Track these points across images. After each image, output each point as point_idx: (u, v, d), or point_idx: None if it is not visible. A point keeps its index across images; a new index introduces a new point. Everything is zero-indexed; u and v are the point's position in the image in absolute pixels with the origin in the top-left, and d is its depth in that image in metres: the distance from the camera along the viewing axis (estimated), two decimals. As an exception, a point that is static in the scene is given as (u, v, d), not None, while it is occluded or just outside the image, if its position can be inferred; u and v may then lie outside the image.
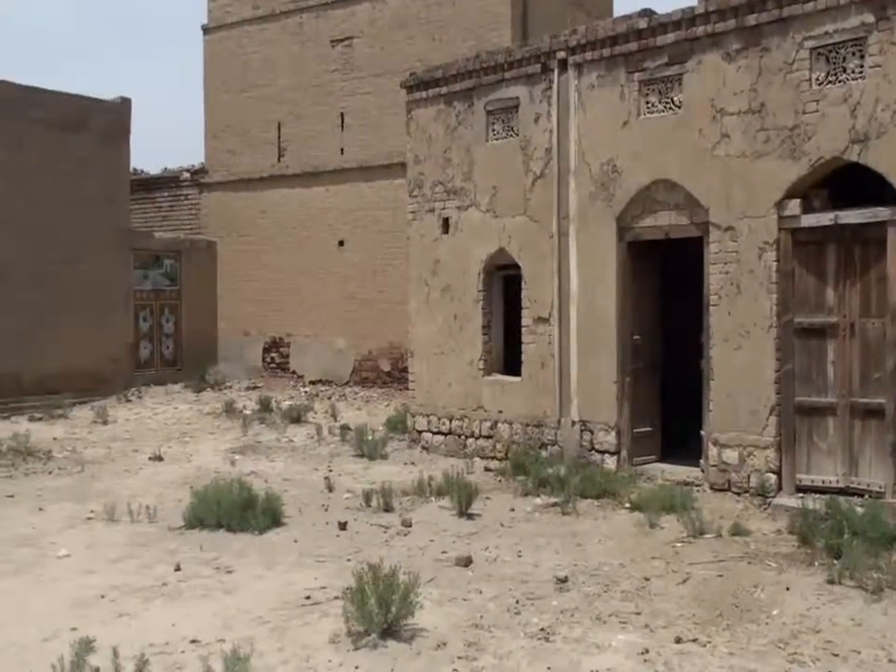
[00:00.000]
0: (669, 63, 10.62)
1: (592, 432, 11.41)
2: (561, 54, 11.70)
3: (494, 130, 12.59)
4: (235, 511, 8.96)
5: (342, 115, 20.36)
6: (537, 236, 12.01)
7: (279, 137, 21.41)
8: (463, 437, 12.93)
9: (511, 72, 12.30)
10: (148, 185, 23.83)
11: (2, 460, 12.75)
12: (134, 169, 22.93)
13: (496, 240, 12.50)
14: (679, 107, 10.57)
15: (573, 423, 11.60)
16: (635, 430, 11.29)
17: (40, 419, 16.83)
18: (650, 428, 11.43)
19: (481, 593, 6.98)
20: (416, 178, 13.54)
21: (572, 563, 7.75)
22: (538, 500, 10.06)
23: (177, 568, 7.66)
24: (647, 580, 7.28)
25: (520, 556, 7.99)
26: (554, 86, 11.80)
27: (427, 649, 5.85)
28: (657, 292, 11.67)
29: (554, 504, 9.75)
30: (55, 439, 14.76)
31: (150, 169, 24.77)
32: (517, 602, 6.75)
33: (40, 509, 10.05)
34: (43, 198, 18.24)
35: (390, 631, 5.99)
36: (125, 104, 20.13)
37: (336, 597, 6.68)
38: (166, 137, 43.78)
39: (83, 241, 18.92)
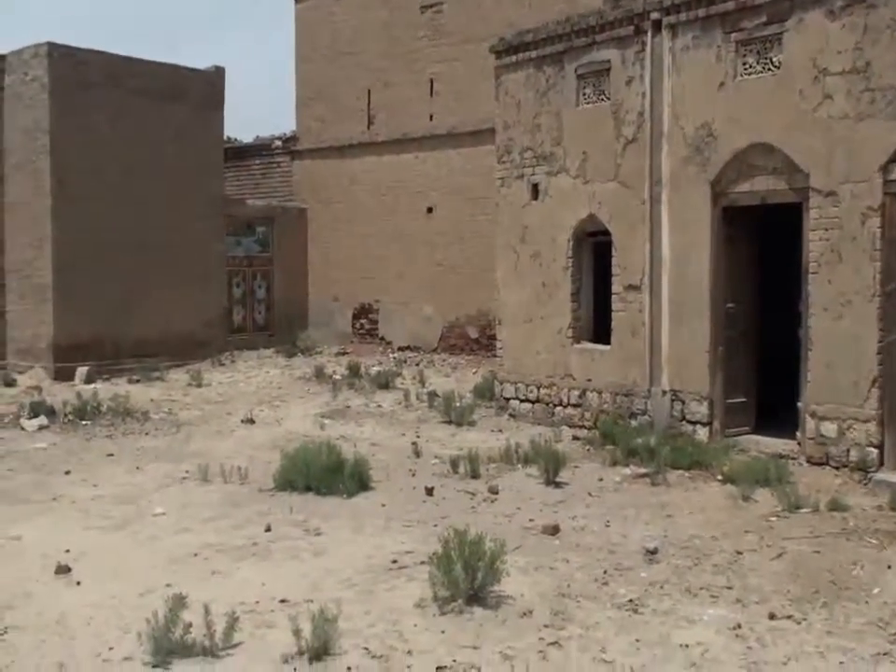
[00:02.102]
0: (768, 22, 10.20)
1: (683, 402, 11.18)
2: (655, 15, 11.36)
3: (584, 94, 12.34)
4: (324, 475, 9.09)
5: (431, 81, 20.24)
6: (628, 202, 11.76)
7: (369, 104, 21.42)
8: (551, 405, 12.83)
9: (602, 34, 12.01)
10: (241, 153, 24.18)
11: (103, 420, 13.21)
12: (228, 138, 23.27)
13: (585, 206, 12.29)
14: (779, 68, 10.16)
15: (663, 392, 11.38)
16: (728, 401, 11.02)
17: (138, 381, 17.35)
18: (743, 399, 11.14)
19: (568, 562, 6.92)
20: (505, 144, 13.39)
21: (662, 534, 7.62)
22: (626, 470, 9.93)
23: (268, 529, 7.81)
24: (739, 554, 7.11)
25: (608, 526, 7.90)
26: (648, 48, 11.48)
27: (512, 616, 5.83)
28: (753, 259, 11.31)
29: (644, 475, 9.61)
30: (152, 400, 15.21)
31: (243, 137, 25.16)
32: (605, 572, 6.68)
33: (138, 468, 10.38)
34: (141, 166, 18.67)
35: (476, 597, 5.98)
36: (219, 73, 20.41)
37: (422, 562, 6.71)
38: (259, 106, 44.26)
39: (179, 208, 19.33)
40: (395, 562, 6.95)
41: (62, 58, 17.68)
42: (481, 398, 14.64)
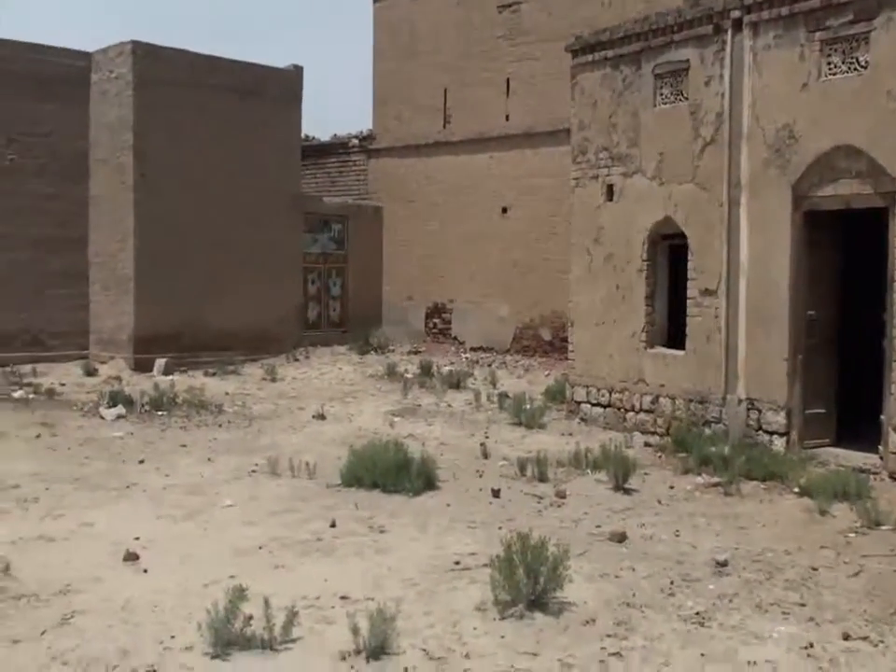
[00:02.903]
0: (855, 21, 9.85)
1: (759, 411, 10.88)
2: (735, 13, 11.08)
3: (662, 94, 12.11)
4: (391, 473, 9.08)
5: (507, 81, 20.15)
6: (705, 204, 11.50)
7: (445, 104, 21.42)
8: (623, 410, 12.63)
9: (681, 33, 11.76)
10: (319, 151, 24.43)
11: (178, 411, 13.46)
12: (306, 136, 23.54)
13: (661, 208, 12.06)
14: (865, 68, 9.80)
15: (739, 400, 11.10)
16: (807, 411, 10.69)
17: (214, 374, 17.65)
18: (823, 410, 10.78)
19: (634, 570, 6.77)
20: (580, 144, 13.23)
21: (733, 546, 7.41)
22: (699, 479, 9.70)
23: (333, 525, 7.83)
24: (814, 569, 6.87)
25: (677, 536, 7.72)
26: (728, 47, 11.21)
27: (574, 624, 5.73)
28: (835, 266, 10.94)
29: (716, 484, 9.38)
30: (227, 393, 15.45)
31: (321, 136, 25.41)
32: (672, 583, 6.51)
33: (209, 459, 10.53)
34: (221, 163, 19.00)
35: (538, 603, 5.89)
36: (297, 71, 20.64)
37: (485, 564, 6.62)
38: (337, 105, 44.68)
39: (257, 204, 19.61)
40: (457, 563, 6.89)
41: (145, 56, 18.10)
42: (552, 400, 14.50)
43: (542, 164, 19.43)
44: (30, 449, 10.91)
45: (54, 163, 18.43)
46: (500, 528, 7.79)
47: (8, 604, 5.92)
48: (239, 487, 9.25)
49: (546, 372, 18.17)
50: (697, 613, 5.93)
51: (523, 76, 19.85)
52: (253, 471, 9.93)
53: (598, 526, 7.93)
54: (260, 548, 7.24)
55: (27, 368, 17.06)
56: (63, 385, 15.92)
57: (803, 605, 6.14)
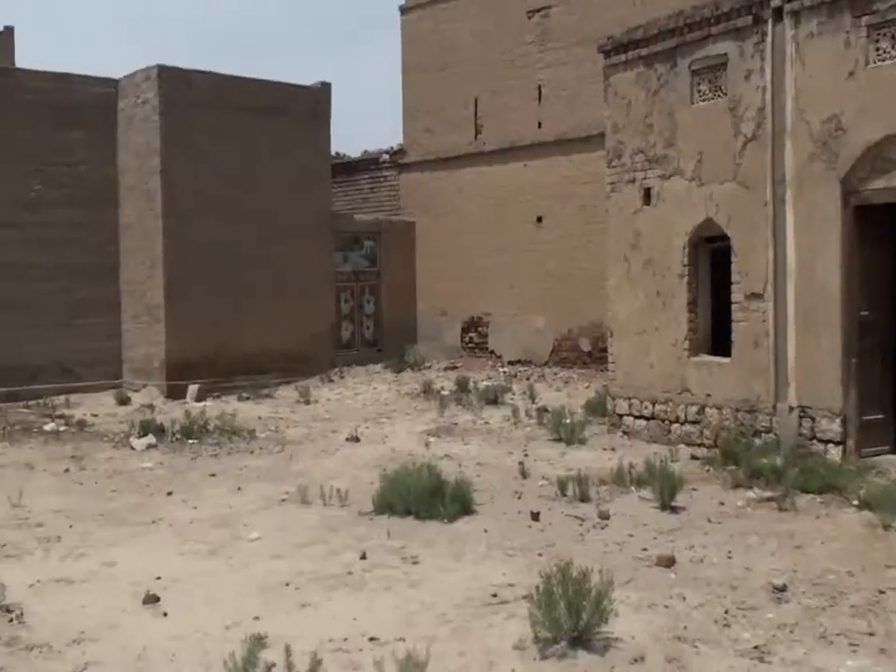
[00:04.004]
0: (905, 2, 9.32)
1: (812, 419, 10.31)
2: (775, 2, 10.59)
3: (699, 91, 11.62)
4: (424, 498, 8.67)
5: (539, 87, 19.76)
6: (748, 204, 10.98)
7: (476, 114, 21.08)
8: (667, 422, 12.10)
9: (718, 26, 11.28)
10: (349, 168, 24.23)
11: (209, 439, 13.18)
12: (336, 153, 23.34)
13: (702, 210, 11.55)
14: (917, 51, 9.26)
15: (790, 408, 10.53)
16: (863, 417, 10.11)
17: (248, 398, 17.40)
18: (881, 416, 10.20)
19: (684, 599, 6.27)
20: (615, 147, 12.77)
21: (791, 568, 6.88)
22: (750, 494, 9.15)
23: (363, 557, 7.44)
24: (881, 593, 6.32)
25: (729, 558, 7.20)
26: (768, 38, 10.71)
27: (621, 662, 5.26)
28: (889, 263, 10.36)
29: (769, 498, 8.83)
30: (259, 418, 15.16)
31: (351, 152, 25.20)
32: (726, 612, 6.01)
33: (239, 488, 10.20)
34: (249, 184, 18.82)
35: (581, 640, 5.43)
36: (325, 88, 20.42)
37: (524, 596, 6.18)
38: (366, 120, 44.69)
39: (287, 224, 19.38)
40: (494, 596, 6.45)
41: (171, 80, 17.98)
42: (592, 413, 14.02)
43: (576, 171, 19.01)
44: (58, 483, 10.67)
45: (82, 192, 18.34)
46: (540, 555, 7.36)
47: (18, 656, 5.59)
48: (267, 518, 8.89)
49: (586, 384, 17.69)
50: (756, 647, 5.43)
51: (554, 81, 19.46)
52: (283, 500, 9.58)
53: (644, 549, 7.44)
54: (287, 584, 6.87)
55: (60, 399, 16.95)
56: (96, 415, 15.73)
57: (871, 634, 5.62)
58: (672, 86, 11.89)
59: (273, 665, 5.04)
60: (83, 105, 18.30)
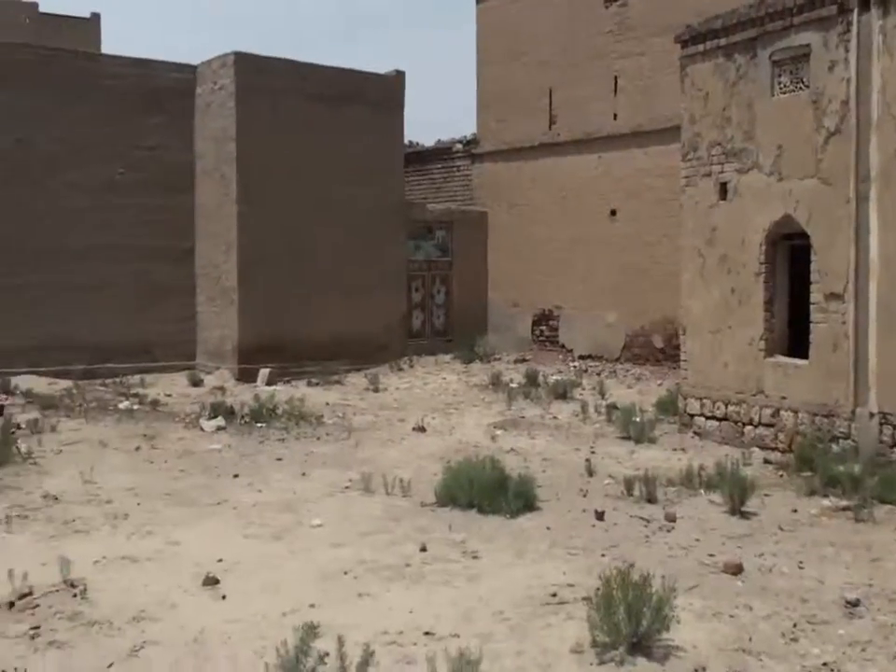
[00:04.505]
0: None
1: (894, 426, 9.91)
2: (863, -9, 10.17)
3: (780, 82, 11.25)
4: (487, 491, 8.58)
5: (615, 78, 19.42)
6: (829, 201, 10.59)
7: (550, 104, 20.83)
8: (740, 423, 11.78)
9: (801, 16, 10.89)
10: (423, 157, 24.20)
11: (277, 423, 13.27)
12: (410, 142, 23.32)
13: (780, 206, 11.19)
14: None
15: (871, 414, 10.14)
16: (947, 426, 9.68)
17: (317, 384, 17.52)
18: (966, 425, 9.76)
19: (751, 609, 6.07)
20: (691, 140, 12.45)
21: (866, 582, 6.61)
22: (825, 502, 8.84)
23: (423, 549, 7.39)
24: (962, 611, 6.04)
25: (801, 568, 6.96)
26: (854, 28, 10.30)
27: (682, 672, 5.11)
28: (981, 265, 9.90)
29: (846, 508, 8.51)
30: (328, 404, 15.23)
31: (425, 141, 25.16)
32: (794, 625, 5.79)
33: (304, 474, 10.25)
34: (322, 171, 18.92)
35: (640, 646, 5.29)
36: (399, 77, 20.40)
37: (584, 598, 6.07)
38: (441, 109, 44.62)
39: (360, 211, 19.45)
40: (554, 595, 6.34)
41: (247, 66, 18.16)
42: (663, 412, 13.75)
43: (652, 164, 18.64)
44: (129, 461, 10.86)
45: (161, 176, 18.66)
46: (603, 556, 7.22)
47: (79, 632, 5.69)
48: (330, 505, 8.91)
49: (658, 382, 17.38)
50: (825, 664, 5.22)
51: (631, 72, 19.10)
52: (346, 487, 9.59)
53: (711, 555, 7.24)
54: (346, 573, 6.86)
55: (135, 378, 17.30)
56: (169, 395, 16.02)
57: (950, 655, 5.35)
58: (751, 77, 11.54)
59: (327, 654, 4.99)
60: (162, 90, 18.64)
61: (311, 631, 4.92)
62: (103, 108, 17.98)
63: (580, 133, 20.08)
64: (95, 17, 28.05)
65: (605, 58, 19.51)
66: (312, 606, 6.10)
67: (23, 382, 16.03)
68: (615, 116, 19.45)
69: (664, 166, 17.98)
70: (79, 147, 17.78)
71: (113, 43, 41.95)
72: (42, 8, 27.50)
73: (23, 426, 12.36)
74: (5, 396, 14.87)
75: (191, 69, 19.09)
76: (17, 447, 10.85)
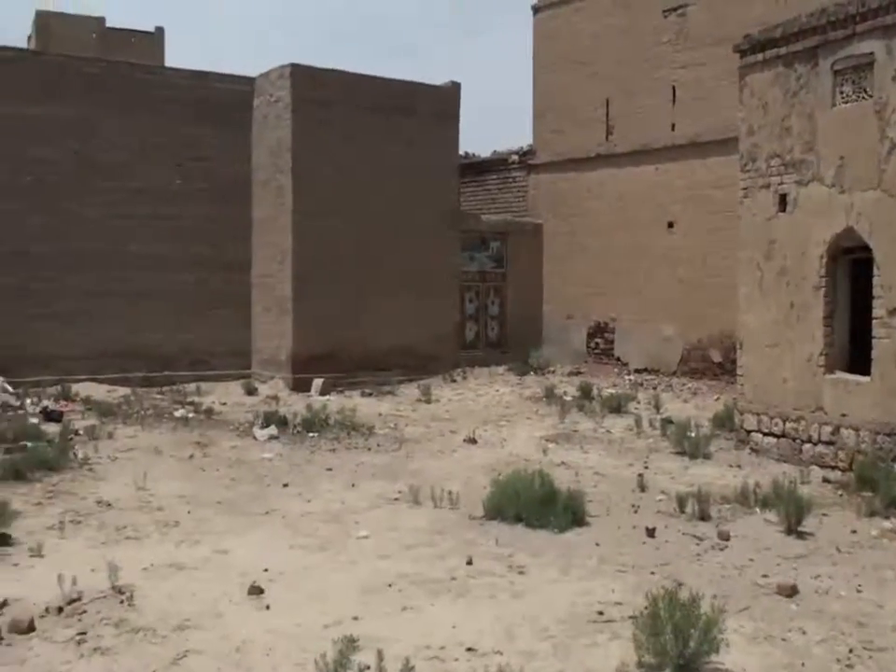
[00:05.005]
0: None
1: (959, 445, 9.58)
2: (930, -3, 9.89)
3: (842, 92, 10.98)
4: (535, 505, 8.48)
5: (673, 88, 19.20)
6: (893, 213, 10.29)
7: (607, 115, 20.67)
8: (798, 441, 11.49)
9: (864, 24, 10.63)
10: (478, 168, 24.18)
11: (329, 433, 13.31)
12: (465, 153, 23.32)
13: (842, 218, 10.91)
14: None
15: (934, 433, 9.81)
16: None
17: (370, 395, 17.55)
18: None
19: (804, 633, 5.88)
20: (749, 151, 12.22)
21: (927, 608, 6.38)
22: (886, 524, 8.55)
23: (469, 562, 7.32)
24: None
25: (859, 591, 6.73)
26: (920, 36, 10.01)
27: (731, 697, 4.96)
28: None
29: (907, 529, 8.24)
30: (380, 415, 15.24)
31: (481, 152, 25.13)
32: (851, 651, 5.59)
33: (353, 485, 10.24)
34: (376, 182, 19.00)
35: (688, 668, 5.15)
36: (454, 88, 20.41)
37: (632, 616, 5.93)
38: (497, 121, 44.57)
39: (413, 223, 19.49)
40: (601, 613, 6.22)
41: (303, 78, 18.34)
42: (720, 428, 13.49)
43: (710, 175, 18.39)
44: (182, 469, 10.97)
45: (218, 187, 18.94)
46: (653, 574, 7.07)
47: (124, 639, 5.72)
48: (378, 516, 8.88)
49: (715, 397, 17.07)
50: (881, 693, 5.03)
51: (689, 82, 18.87)
52: (395, 499, 9.56)
53: (765, 576, 7.04)
54: (390, 586, 6.82)
55: (192, 386, 17.53)
56: (224, 404, 16.19)
57: None
58: (812, 87, 11.28)
59: (367, 667, 4.97)
60: (220, 102, 18.93)
61: (350, 644, 4.88)
62: (162, 120, 18.31)
63: (637, 143, 19.89)
64: (159, 31, 28.59)
65: (663, 68, 19.31)
66: (355, 618, 6.07)
67: (84, 389, 16.37)
68: (673, 126, 19.23)
69: (722, 177, 17.73)
70: (139, 158, 18.14)
71: (177, 56, 42.77)
72: (108, 23, 28.13)
73: (81, 432, 12.59)
74: (65, 402, 15.17)
75: (249, 81, 19.36)
76: (74, 453, 11.06)
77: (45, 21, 25.63)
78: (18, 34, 32.45)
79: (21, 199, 17.14)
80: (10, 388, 15.62)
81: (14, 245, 17.01)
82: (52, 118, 17.35)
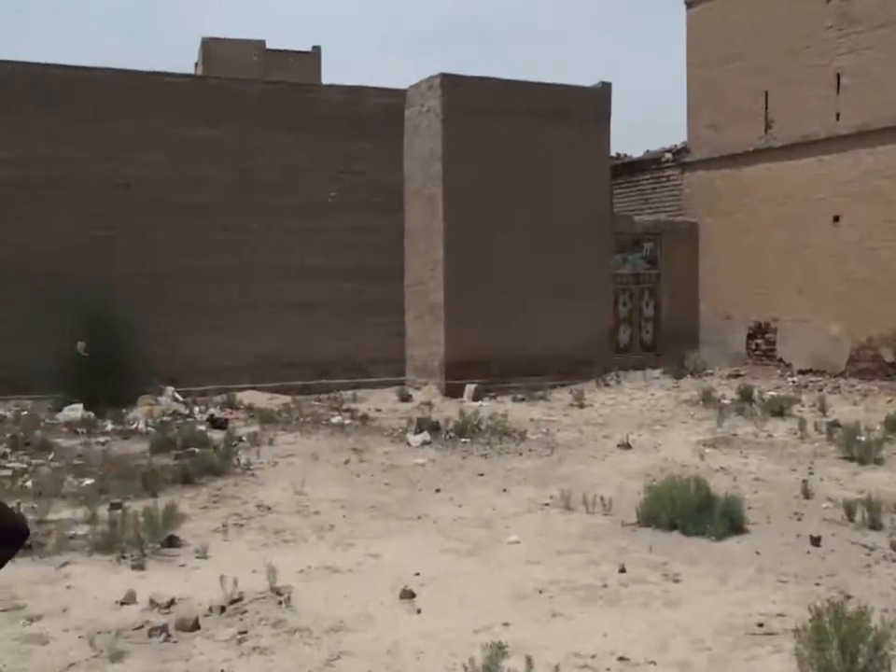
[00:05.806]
0: None
1: None
2: None
3: None
4: (690, 512, 8.21)
5: (837, 76, 18.26)
6: None
7: (766, 107, 19.87)
8: (981, 444, 10.68)
9: None
10: (630, 168, 23.77)
11: (481, 438, 13.36)
12: (616, 153, 22.96)
13: None
14: None
15: None
16: None
17: (522, 400, 17.52)
18: None
19: None
20: (923, 136, 11.46)
21: None
22: None
23: (622, 570, 7.15)
24: None
25: None
26: None
27: (903, 721, 4.63)
28: None
29: None
30: (532, 420, 15.18)
31: (633, 152, 24.70)
32: None
33: (504, 490, 10.22)
34: (526, 187, 18.96)
35: (856, 687, 4.84)
36: (605, 88, 20.12)
37: (794, 630, 5.63)
38: (650, 119, 43.65)
39: (564, 227, 19.32)
40: (760, 625, 5.94)
41: (453, 88, 18.51)
42: (893, 431, 12.71)
43: (880, 165, 17.40)
44: (338, 474, 11.25)
45: (372, 197, 19.36)
46: (818, 585, 6.72)
47: (281, 639, 5.89)
48: (529, 521, 8.83)
49: (888, 399, 16.12)
50: None
51: (855, 69, 17.90)
52: (546, 504, 9.47)
53: (944, 591, 6.56)
54: (541, 591, 6.74)
55: (349, 394, 17.99)
56: (379, 410, 16.52)
57: None
58: None
59: (516, 674, 4.92)
60: (374, 115, 19.36)
61: (499, 650, 4.86)
62: (319, 135, 18.89)
63: (797, 135, 19.04)
64: (316, 50, 29.62)
65: (825, 55, 18.41)
66: (504, 624, 6.03)
67: (247, 397, 17.09)
68: (837, 116, 18.29)
69: (891, 166, 16.74)
70: (298, 174, 18.79)
71: (333, 74, 44.36)
72: (269, 45, 29.34)
73: (244, 438, 13.13)
74: (230, 410, 15.89)
75: (400, 93, 19.72)
76: (237, 459, 11.54)
77: (210, 48, 27.04)
78: (186, 60, 34.32)
79: (191, 217, 18.03)
80: (180, 398, 16.52)
81: (183, 262, 17.90)
82: (218, 138, 18.21)
